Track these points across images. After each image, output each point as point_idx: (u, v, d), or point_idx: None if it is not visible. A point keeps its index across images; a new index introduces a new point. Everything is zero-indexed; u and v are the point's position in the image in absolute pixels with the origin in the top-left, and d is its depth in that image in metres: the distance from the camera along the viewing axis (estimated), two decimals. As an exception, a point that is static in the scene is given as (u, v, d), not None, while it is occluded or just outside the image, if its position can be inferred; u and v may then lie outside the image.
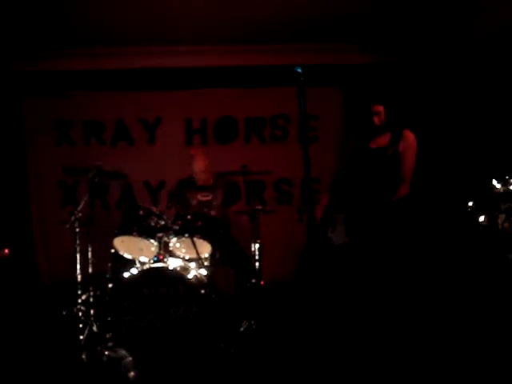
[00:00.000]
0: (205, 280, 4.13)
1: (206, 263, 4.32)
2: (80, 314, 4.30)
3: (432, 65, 6.02)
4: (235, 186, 5.23)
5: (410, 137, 3.89)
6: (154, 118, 6.36)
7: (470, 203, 3.96)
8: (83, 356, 3.94)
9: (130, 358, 3.87)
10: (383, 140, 3.96)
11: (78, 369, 3.77)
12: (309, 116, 2.90)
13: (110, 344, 4.00)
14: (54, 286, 5.91)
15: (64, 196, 6.27)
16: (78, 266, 4.44)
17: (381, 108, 3.91)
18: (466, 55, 5.69)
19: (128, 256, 4.42)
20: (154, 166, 6.24)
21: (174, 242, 4.40)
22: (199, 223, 4.40)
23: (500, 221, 3.81)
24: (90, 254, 4.54)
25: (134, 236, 4.31)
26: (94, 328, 4.22)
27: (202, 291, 3.98)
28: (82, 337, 4.15)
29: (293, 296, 4.71)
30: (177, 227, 4.33)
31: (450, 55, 5.89)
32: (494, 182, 3.94)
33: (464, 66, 5.73)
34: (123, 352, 3.91)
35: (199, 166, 5.14)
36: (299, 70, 2.75)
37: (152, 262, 4.20)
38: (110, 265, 4.44)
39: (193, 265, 4.27)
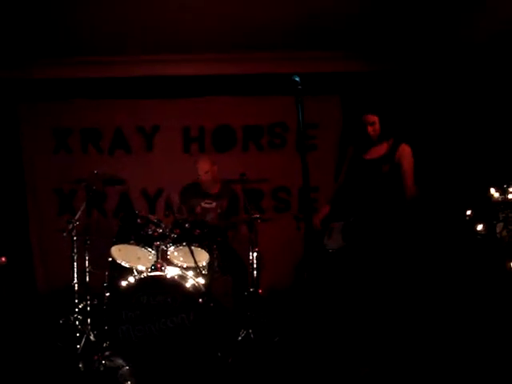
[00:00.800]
0: (202, 288, 4.12)
1: (203, 272, 4.31)
2: (77, 322, 4.29)
3: (430, 72, 6.03)
4: (237, 196, 5.19)
5: (406, 151, 3.89)
6: (151, 126, 6.35)
7: (468, 212, 3.96)
8: (80, 365, 3.93)
9: (127, 368, 3.85)
10: (379, 150, 3.96)
11: (74, 378, 3.75)
12: (307, 124, 2.90)
13: (107, 353, 3.98)
14: (51, 294, 5.88)
15: (61, 204, 6.25)
16: (75, 275, 4.43)
17: (375, 118, 3.91)
18: (464, 63, 5.71)
19: (125, 264, 4.42)
20: (152, 174, 6.23)
21: (171, 251, 4.39)
22: (197, 231, 4.39)
23: (498, 229, 3.81)
24: (87, 263, 4.52)
25: (132, 244, 4.30)
26: (91, 337, 4.21)
27: (200, 300, 3.97)
28: (78, 346, 4.14)
29: (291, 304, 4.70)
30: (174, 235, 4.32)
31: (448, 63, 5.91)
32: (492, 190, 3.94)
33: (462, 74, 5.75)
34: (120, 361, 3.89)
35: (203, 168, 5.07)
36: (297, 79, 2.75)
37: (149, 270, 4.18)
38: (107, 273, 4.43)
39: (191, 273, 4.26)
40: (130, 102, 6.28)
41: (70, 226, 4.40)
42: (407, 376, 3.48)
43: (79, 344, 4.15)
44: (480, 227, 3.94)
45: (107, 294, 4.21)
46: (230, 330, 4.38)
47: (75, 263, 4.46)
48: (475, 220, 4.03)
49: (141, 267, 4.33)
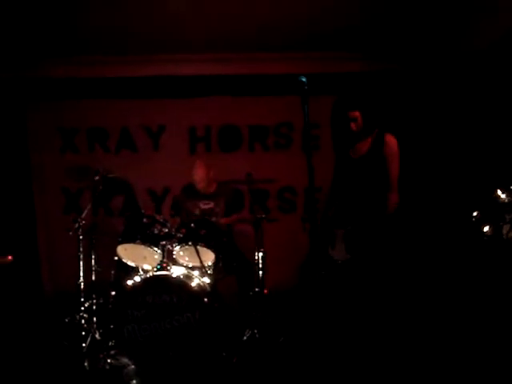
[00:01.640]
0: (208, 288, 4.13)
1: (209, 271, 4.31)
2: (83, 321, 4.30)
3: (436, 72, 6.01)
4: (239, 193, 5.22)
5: (392, 141, 3.84)
6: (158, 126, 6.37)
7: (475, 213, 3.95)
8: (85, 364, 3.94)
9: (133, 366, 3.86)
10: (363, 146, 3.94)
11: (80, 377, 3.76)
12: (310, 125, 2.89)
13: (112, 352, 4.00)
14: (57, 292, 5.92)
15: (67, 203, 6.27)
16: (81, 274, 4.44)
17: (357, 113, 3.88)
18: (471, 60, 5.68)
19: (131, 264, 4.43)
20: (158, 173, 6.25)
21: (177, 250, 4.40)
22: (203, 231, 4.40)
23: (505, 231, 3.79)
24: (93, 262, 4.53)
25: (138, 244, 4.31)
26: (97, 336, 4.22)
27: (205, 299, 3.98)
28: (84, 344, 4.15)
29: (296, 304, 4.70)
30: (180, 235, 4.33)
31: (453, 61, 5.89)
32: (499, 191, 3.93)
33: (468, 72, 5.72)
34: (126, 360, 3.91)
35: (199, 175, 5.15)
36: (303, 79, 2.76)
37: (155, 269, 4.19)
38: (113, 272, 4.45)
39: (196, 273, 4.26)
40: (137, 102, 6.30)
41: (76, 225, 4.42)
42: (408, 376, 3.48)
43: (85, 343, 4.16)
44: (486, 228, 3.92)
45: (113, 293, 4.21)
46: (235, 329, 4.38)
47: (81, 262, 4.47)
48: (482, 221, 4.01)
49: (147, 266, 4.34)
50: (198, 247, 4.22)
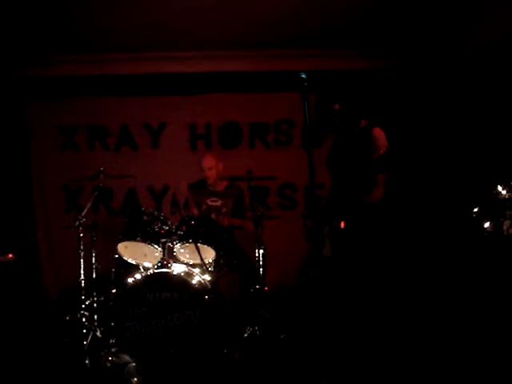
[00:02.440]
0: (209, 285, 4.13)
1: (210, 269, 4.32)
2: (83, 319, 4.30)
3: (439, 69, 6.00)
4: (243, 194, 5.19)
5: (380, 135, 3.77)
6: (158, 123, 6.35)
7: (476, 209, 3.93)
8: (87, 361, 3.95)
9: (134, 364, 3.87)
10: (349, 138, 3.90)
11: (81, 374, 3.77)
12: (311, 121, 2.89)
13: (113, 349, 4.01)
14: (58, 290, 5.92)
15: (68, 201, 6.27)
16: (82, 271, 4.45)
17: (337, 106, 3.84)
18: (472, 56, 5.66)
19: (132, 261, 4.43)
20: (159, 171, 6.25)
21: (178, 248, 4.40)
22: (203, 229, 4.40)
23: (505, 227, 3.78)
24: (93, 259, 4.54)
25: (138, 241, 4.31)
26: (98, 333, 4.23)
27: (206, 297, 3.98)
28: (85, 342, 4.16)
29: (297, 301, 4.70)
30: (181, 232, 4.33)
31: (455, 57, 5.88)
32: (499, 187, 3.92)
33: (468, 67, 5.71)
34: (127, 357, 3.91)
35: (207, 163, 5.09)
36: (304, 76, 2.75)
37: (156, 267, 4.19)
38: (113, 270, 4.45)
39: (197, 270, 4.27)
40: (137, 99, 6.29)
41: (77, 223, 4.42)
42: (408, 376, 3.48)
43: (86, 340, 4.17)
44: (487, 225, 3.91)
45: (114, 291, 4.22)
46: (236, 326, 4.39)
47: (82, 260, 4.48)
48: (482, 217, 4.00)
49: (147, 264, 4.34)
50: (199, 244, 4.22)
